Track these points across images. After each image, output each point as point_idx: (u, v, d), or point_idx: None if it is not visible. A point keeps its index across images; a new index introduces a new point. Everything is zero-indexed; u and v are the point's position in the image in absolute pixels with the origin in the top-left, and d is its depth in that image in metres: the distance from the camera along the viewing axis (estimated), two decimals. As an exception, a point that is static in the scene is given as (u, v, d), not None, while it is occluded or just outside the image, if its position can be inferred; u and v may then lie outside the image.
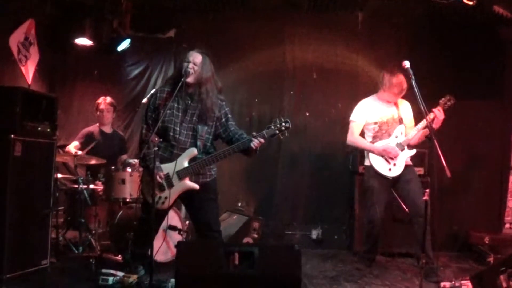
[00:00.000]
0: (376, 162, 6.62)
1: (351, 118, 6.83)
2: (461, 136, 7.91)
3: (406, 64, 5.72)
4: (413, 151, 6.59)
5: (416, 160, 6.95)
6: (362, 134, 6.84)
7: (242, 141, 5.31)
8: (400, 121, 6.64)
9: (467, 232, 7.80)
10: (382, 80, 6.63)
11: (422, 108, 5.65)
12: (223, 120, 5.55)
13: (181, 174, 5.37)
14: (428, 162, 7.48)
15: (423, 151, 7.35)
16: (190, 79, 5.36)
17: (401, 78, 6.43)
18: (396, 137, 6.62)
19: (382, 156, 6.58)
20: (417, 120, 6.61)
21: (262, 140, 5.26)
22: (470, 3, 6.54)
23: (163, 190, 5.39)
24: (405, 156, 6.56)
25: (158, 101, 5.48)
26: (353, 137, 6.79)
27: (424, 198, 5.30)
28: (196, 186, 5.41)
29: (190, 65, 5.38)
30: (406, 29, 8.25)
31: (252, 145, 5.23)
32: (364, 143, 6.75)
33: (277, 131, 5.27)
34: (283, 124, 5.27)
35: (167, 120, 5.39)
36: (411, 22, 8.16)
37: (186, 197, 5.51)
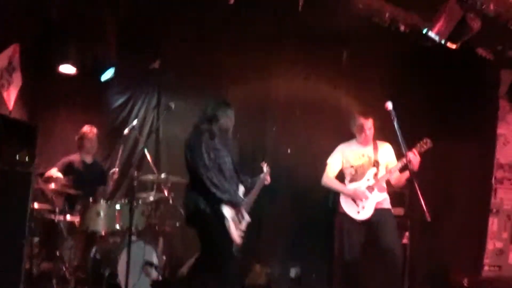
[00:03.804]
0: (345, 204, 6.58)
1: (328, 160, 6.86)
2: (442, 177, 7.90)
3: (389, 105, 5.73)
4: (384, 195, 6.48)
5: (396, 200, 6.92)
6: (343, 176, 6.79)
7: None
8: (375, 164, 6.55)
9: (446, 273, 7.78)
10: (353, 122, 6.65)
11: (403, 151, 5.69)
12: None
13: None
14: (409, 203, 7.45)
15: (404, 192, 7.32)
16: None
17: (361, 121, 6.49)
18: (368, 180, 6.50)
19: (353, 198, 6.52)
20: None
21: None
22: (453, 46, 6.58)
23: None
24: (375, 200, 6.43)
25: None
26: (327, 178, 6.79)
27: (404, 241, 5.29)
28: None
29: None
30: (389, 68, 8.25)
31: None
32: (336, 184, 6.73)
33: None
34: None
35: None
36: (394, 62, 8.16)
37: None
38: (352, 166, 6.63)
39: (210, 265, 5.43)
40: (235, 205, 5.56)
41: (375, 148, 6.61)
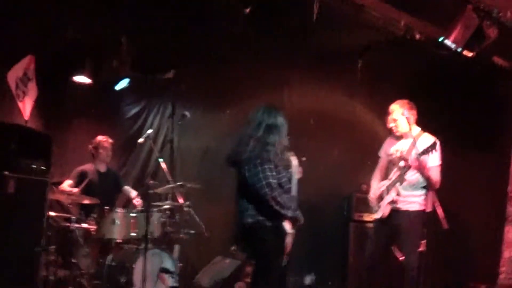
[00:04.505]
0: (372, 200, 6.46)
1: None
2: (458, 186, 7.85)
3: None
4: (392, 195, 6.09)
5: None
6: None
7: None
8: (405, 160, 6.05)
9: (462, 281, 7.73)
10: None
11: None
12: None
13: None
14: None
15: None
16: None
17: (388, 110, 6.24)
18: (390, 179, 6.25)
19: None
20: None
21: None
22: (470, 54, 6.54)
23: None
24: (387, 200, 6.13)
25: None
26: (374, 173, 6.53)
27: (420, 249, 5.22)
28: None
29: None
30: (404, 78, 8.25)
31: None
32: (372, 182, 6.49)
33: None
34: None
35: None
36: (410, 72, 8.16)
37: None
38: (388, 161, 6.38)
39: (268, 279, 5.07)
40: (296, 221, 5.10)
41: (413, 143, 5.92)
